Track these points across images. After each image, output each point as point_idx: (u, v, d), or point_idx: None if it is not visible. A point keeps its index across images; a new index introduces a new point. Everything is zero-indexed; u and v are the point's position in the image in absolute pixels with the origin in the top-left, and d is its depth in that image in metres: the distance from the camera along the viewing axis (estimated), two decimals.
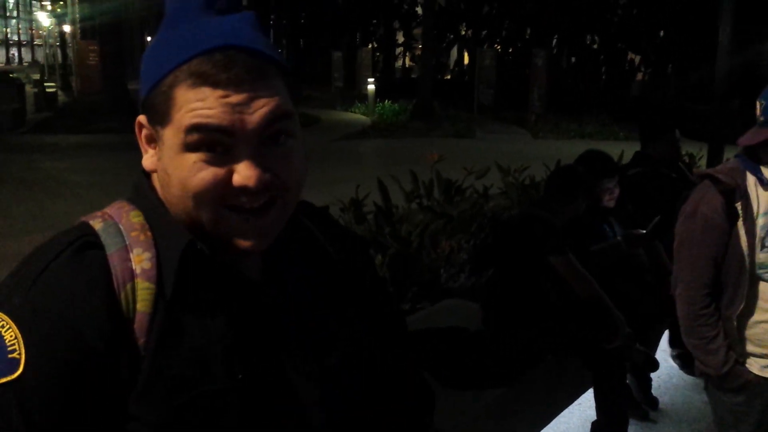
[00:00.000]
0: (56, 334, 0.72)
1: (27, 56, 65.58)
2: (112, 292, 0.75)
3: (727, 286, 1.91)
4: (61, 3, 29.71)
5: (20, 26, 66.46)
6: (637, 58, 28.75)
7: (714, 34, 6.20)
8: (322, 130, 16.61)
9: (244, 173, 0.75)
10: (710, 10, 10.82)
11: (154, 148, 0.81)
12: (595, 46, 28.25)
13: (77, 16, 24.91)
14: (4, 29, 66.23)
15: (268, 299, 0.85)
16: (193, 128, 0.74)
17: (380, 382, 0.94)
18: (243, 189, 0.75)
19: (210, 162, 0.75)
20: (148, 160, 0.82)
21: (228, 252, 0.81)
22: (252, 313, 0.83)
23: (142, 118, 0.81)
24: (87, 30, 24.45)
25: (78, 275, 0.75)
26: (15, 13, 67.65)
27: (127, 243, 0.78)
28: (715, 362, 1.91)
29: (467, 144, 15.08)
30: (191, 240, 0.79)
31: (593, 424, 3.07)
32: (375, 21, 34.52)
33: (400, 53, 39.52)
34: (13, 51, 66.97)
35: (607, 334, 2.85)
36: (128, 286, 0.76)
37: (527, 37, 28.33)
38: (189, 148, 0.75)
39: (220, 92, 0.74)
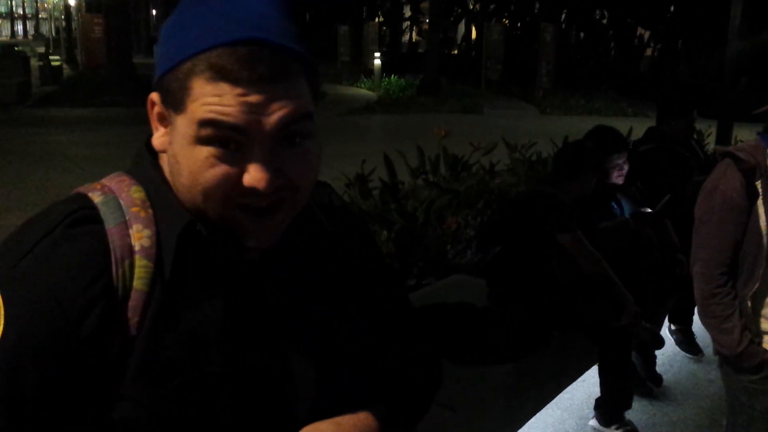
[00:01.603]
0: (41, 308, 0.70)
1: (32, 29, 65.19)
2: (108, 268, 0.73)
3: (743, 265, 1.89)
4: None
5: None
6: (647, 34, 28.36)
7: (725, 10, 6.11)
8: (327, 104, 16.51)
9: (254, 175, 0.73)
10: None
11: (166, 127, 0.78)
12: (605, 21, 27.86)
13: None
14: (10, 2, 65.83)
15: (268, 291, 0.84)
16: (207, 123, 0.72)
17: (380, 381, 0.92)
18: (252, 190, 0.74)
19: (222, 158, 0.73)
20: (159, 139, 0.80)
21: (228, 237, 0.79)
22: (251, 297, 0.82)
23: (155, 96, 0.78)
24: (92, 3, 24.33)
25: (73, 250, 0.73)
26: None
27: (127, 218, 0.76)
28: (730, 341, 1.90)
29: (474, 120, 14.98)
30: (191, 220, 0.77)
31: (597, 400, 3.09)
32: None
33: (407, 27, 39.03)
34: (18, 24, 66.65)
35: (615, 311, 2.85)
36: (126, 263, 0.74)
37: (536, 11, 27.96)
38: (201, 141, 0.73)
39: (239, 90, 0.71)
